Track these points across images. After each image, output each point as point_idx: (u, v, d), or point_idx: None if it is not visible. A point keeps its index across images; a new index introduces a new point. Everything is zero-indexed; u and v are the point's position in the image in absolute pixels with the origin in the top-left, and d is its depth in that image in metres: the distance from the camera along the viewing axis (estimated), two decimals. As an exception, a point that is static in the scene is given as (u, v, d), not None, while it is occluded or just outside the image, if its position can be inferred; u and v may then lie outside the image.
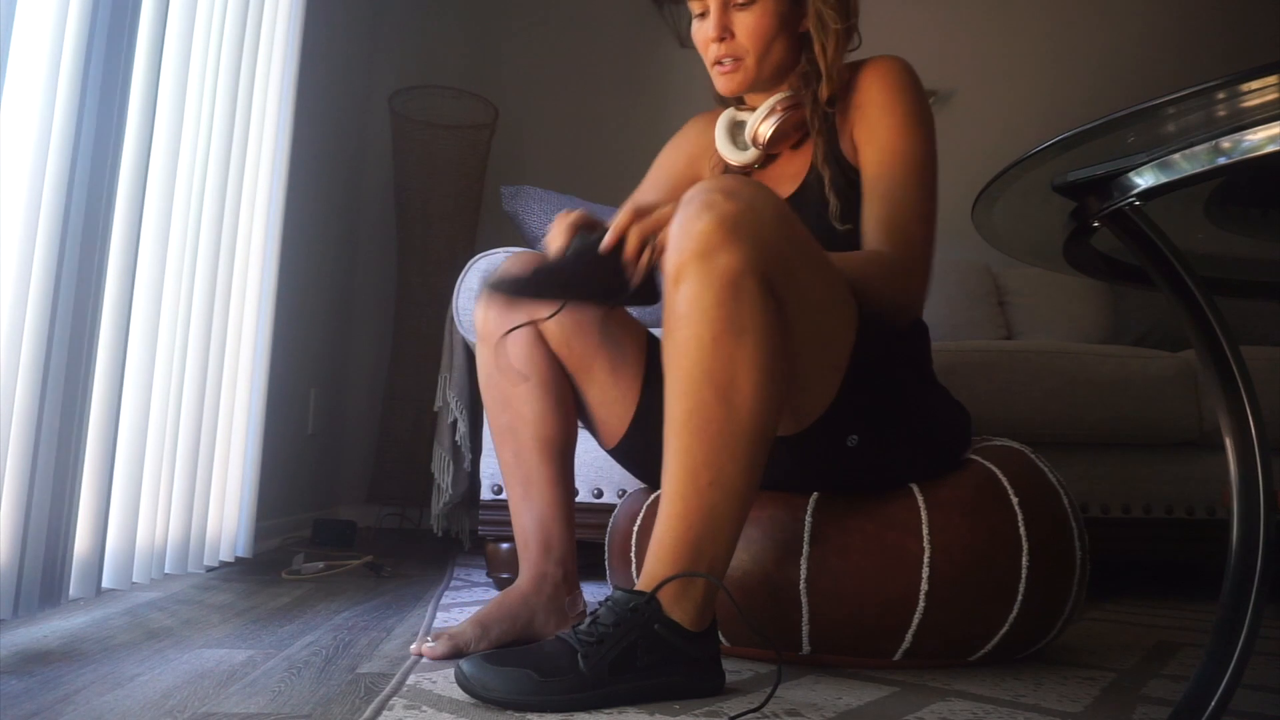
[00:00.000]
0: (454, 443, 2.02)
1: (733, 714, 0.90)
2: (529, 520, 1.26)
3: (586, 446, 1.66)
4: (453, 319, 1.85)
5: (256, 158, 1.91)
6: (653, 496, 1.29)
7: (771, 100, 1.29)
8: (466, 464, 2.04)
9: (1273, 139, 0.65)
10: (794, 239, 1.01)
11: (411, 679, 1.02)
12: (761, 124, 1.29)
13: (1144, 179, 0.76)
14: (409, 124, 2.91)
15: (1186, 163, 0.72)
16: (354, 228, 3.07)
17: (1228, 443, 0.79)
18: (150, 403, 1.51)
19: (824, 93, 1.27)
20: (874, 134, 1.24)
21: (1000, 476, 1.16)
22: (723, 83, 1.30)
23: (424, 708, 0.90)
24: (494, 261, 1.78)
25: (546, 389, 1.26)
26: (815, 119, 1.28)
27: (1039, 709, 0.97)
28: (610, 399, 1.29)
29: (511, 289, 1.06)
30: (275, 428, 2.28)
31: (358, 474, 3.02)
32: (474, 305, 1.32)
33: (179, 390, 1.62)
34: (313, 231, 2.62)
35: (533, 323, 1.23)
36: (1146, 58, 3.19)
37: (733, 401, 0.96)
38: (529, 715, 0.89)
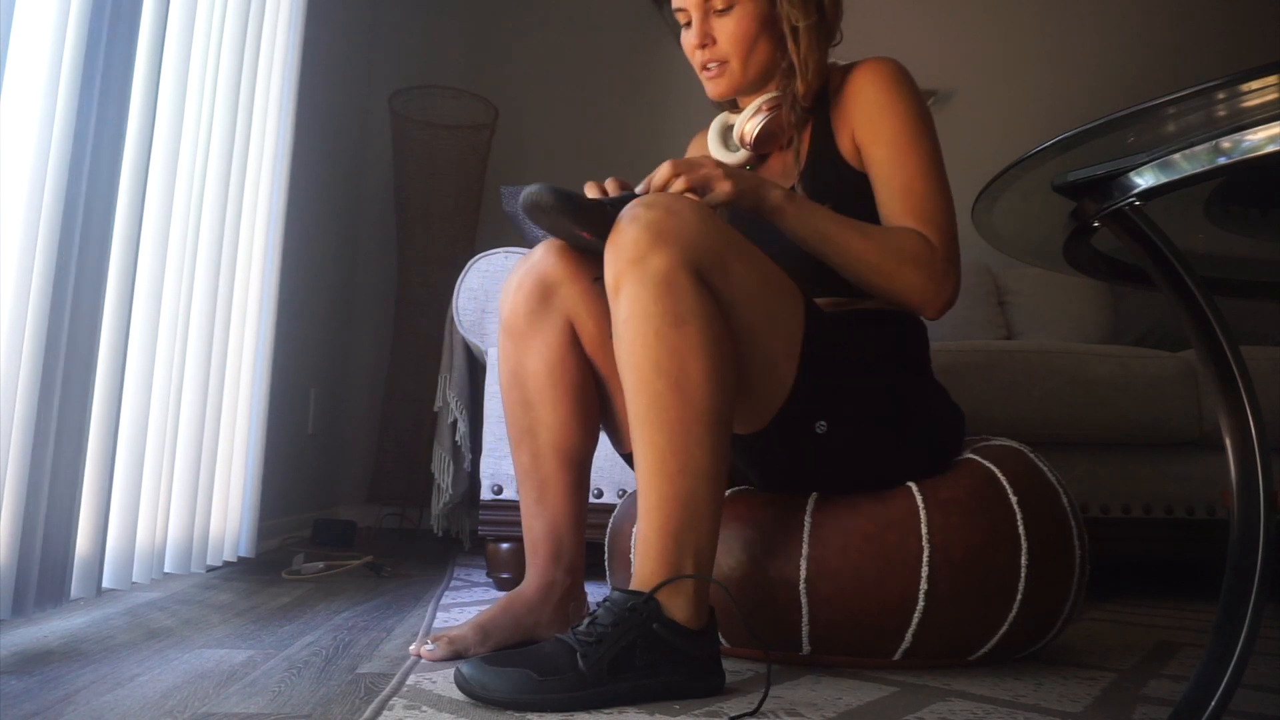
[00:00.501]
0: (454, 443, 2.02)
1: (732, 714, 0.90)
2: (541, 526, 1.25)
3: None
4: (453, 319, 1.85)
5: (257, 158, 1.91)
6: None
7: (758, 100, 1.30)
8: (466, 464, 2.04)
9: (1273, 139, 0.65)
10: (720, 235, 1.04)
11: (411, 679, 1.02)
12: (747, 123, 1.30)
13: (1144, 179, 0.76)
14: (409, 124, 2.91)
15: (1186, 163, 0.72)
16: (354, 228, 3.07)
17: (1228, 443, 0.79)
18: (151, 402, 1.51)
19: (799, 88, 1.27)
20: (879, 132, 1.24)
21: (999, 476, 1.16)
22: (711, 87, 1.32)
23: (424, 708, 0.90)
24: (494, 262, 1.78)
25: (574, 396, 1.24)
26: (792, 115, 1.28)
27: (1039, 709, 0.98)
28: None
29: (553, 203, 1.06)
30: (275, 428, 2.28)
31: (358, 474, 3.02)
32: (501, 291, 1.28)
33: (179, 390, 1.62)
34: (313, 231, 2.62)
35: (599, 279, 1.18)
36: (1146, 58, 3.19)
37: (686, 389, 0.99)
38: (529, 715, 0.89)
